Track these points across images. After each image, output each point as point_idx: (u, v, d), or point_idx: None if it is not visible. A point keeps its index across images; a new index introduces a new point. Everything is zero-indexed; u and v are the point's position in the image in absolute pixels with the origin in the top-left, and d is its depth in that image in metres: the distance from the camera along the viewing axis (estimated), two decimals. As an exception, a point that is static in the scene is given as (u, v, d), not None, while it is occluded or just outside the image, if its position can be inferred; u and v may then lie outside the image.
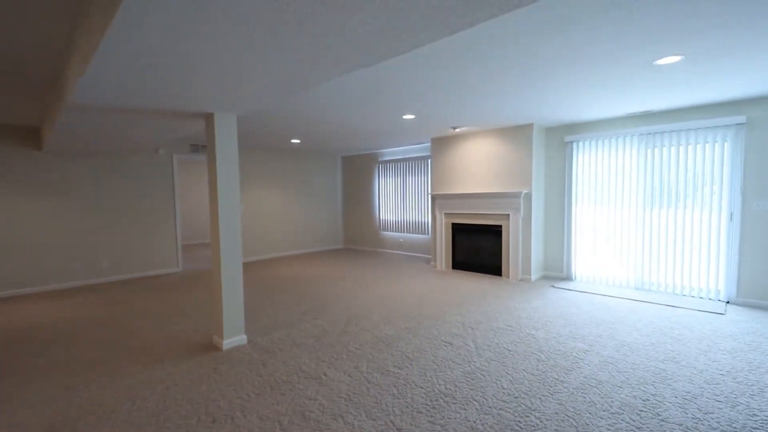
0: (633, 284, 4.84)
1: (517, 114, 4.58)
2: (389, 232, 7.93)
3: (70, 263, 5.31)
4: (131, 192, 5.84)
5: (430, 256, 7.05)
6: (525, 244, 5.40)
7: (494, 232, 5.72)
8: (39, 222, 5.05)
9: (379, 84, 3.25)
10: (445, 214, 6.24)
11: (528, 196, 5.33)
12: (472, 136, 5.85)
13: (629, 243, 4.84)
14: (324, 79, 2.14)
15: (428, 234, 7.20)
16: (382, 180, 8.00)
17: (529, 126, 5.25)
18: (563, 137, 5.38)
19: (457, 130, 5.53)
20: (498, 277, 5.63)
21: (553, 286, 5.00)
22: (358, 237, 8.64)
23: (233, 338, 3.12)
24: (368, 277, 5.63)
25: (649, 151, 4.65)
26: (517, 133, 5.38)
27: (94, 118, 3.10)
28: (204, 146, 6.66)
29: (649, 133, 4.63)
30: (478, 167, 5.82)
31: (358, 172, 8.56)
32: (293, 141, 6.47)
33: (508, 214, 5.47)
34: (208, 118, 3.03)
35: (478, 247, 5.94)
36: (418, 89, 3.43)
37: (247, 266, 6.67)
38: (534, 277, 5.41)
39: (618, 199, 4.91)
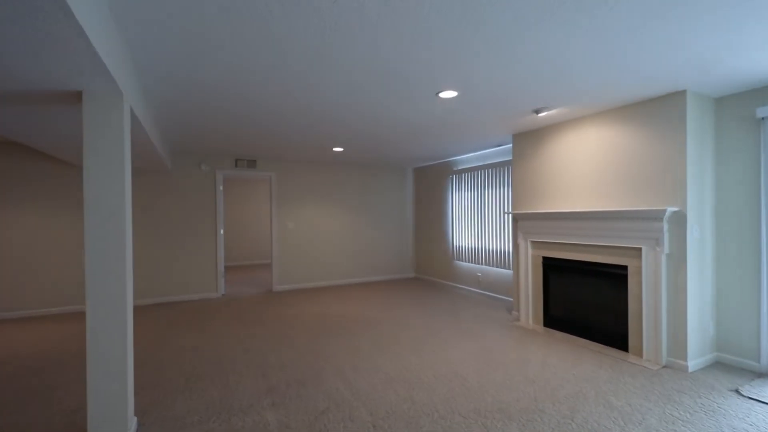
0: None
1: (650, 71, 2.51)
2: (464, 263, 6.10)
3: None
4: (169, 210, 5.52)
5: (513, 300, 5.02)
6: (674, 301, 3.07)
7: (614, 277, 3.49)
8: (72, 239, 4.99)
9: (384, 51, 1.81)
10: (533, 243, 4.21)
11: (679, 218, 3.03)
12: (573, 125, 3.78)
13: None
14: None
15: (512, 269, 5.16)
16: (455, 195, 6.28)
17: (679, 96, 3.00)
18: (753, 110, 2.94)
19: (542, 114, 3.58)
20: (621, 353, 3.36)
21: (738, 392, 2.59)
22: (429, 266, 7.00)
23: (103, 441, 1.98)
24: (412, 329, 4.02)
25: None
26: (655, 111, 3.17)
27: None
28: (251, 161, 6.10)
29: None
30: (585, 172, 3.71)
31: (429, 187, 7.00)
32: (335, 150, 5.36)
33: (640, 248, 3.23)
34: (79, 99, 2.05)
35: (585, 298, 3.75)
36: (447, 38, 1.86)
37: (281, 295, 5.74)
38: (693, 362, 3.01)
39: None
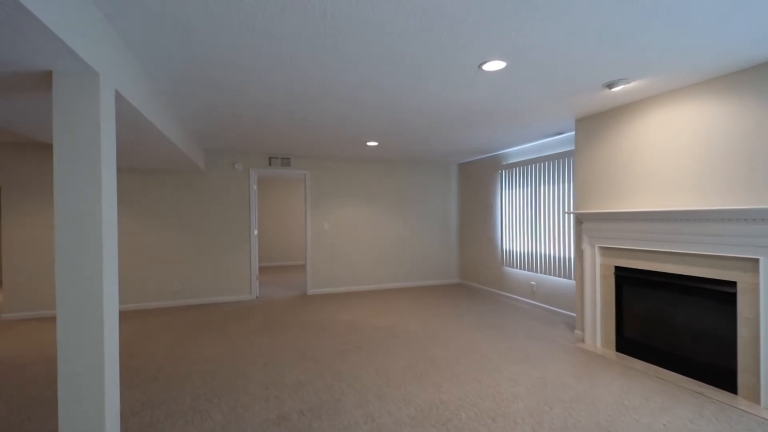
0: None
1: (782, 10, 1.78)
2: (515, 269, 5.40)
3: (139, 284, 5.14)
4: (203, 210, 5.44)
5: (575, 315, 4.25)
6: (811, 335, 2.25)
7: (717, 295, 2.71)
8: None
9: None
10: (602, 249, 3.49)
11: (819, 220, 2.21)
12: (658, 101, 3.02)
13: None
14: None
15: (574, 279, 4.40)
16: (506, 192, 5.59)
17: (821, 50, 2.19)
18: None
19: (617, 89, 2.88)
20: (727, 395, 2.57)
21: None
22: (476, 271, 6.35)
23: (72, 482, 1.70)
24: (453, 348, 3.47)
25: None
26: (780, 76, 2.36)
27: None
28: (285, 159, 5.87)
29: None
30: (674, 161, 2.94)
31: (476, 183, 6.36)
32: (370, 144, 4.95)
33: (757, 259, 2.44)
34: (48, 81, 1.79)
35: (674, 320, 2.98)
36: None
37: (314, 300, 5.42)
38: None
39: None
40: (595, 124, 3.56)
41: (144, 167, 4.97)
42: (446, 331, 3.99)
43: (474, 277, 6.41)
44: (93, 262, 1.71)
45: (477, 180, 6.31)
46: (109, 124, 1.82)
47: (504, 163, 5.61)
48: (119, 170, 5.04)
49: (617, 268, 3.36)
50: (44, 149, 4.72)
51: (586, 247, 3.58)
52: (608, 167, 3.44)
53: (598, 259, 3.50)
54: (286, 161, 5.87)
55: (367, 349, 3.48)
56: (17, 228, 4.63)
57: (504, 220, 5.61)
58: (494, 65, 2.39)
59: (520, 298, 5.31)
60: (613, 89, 2.84)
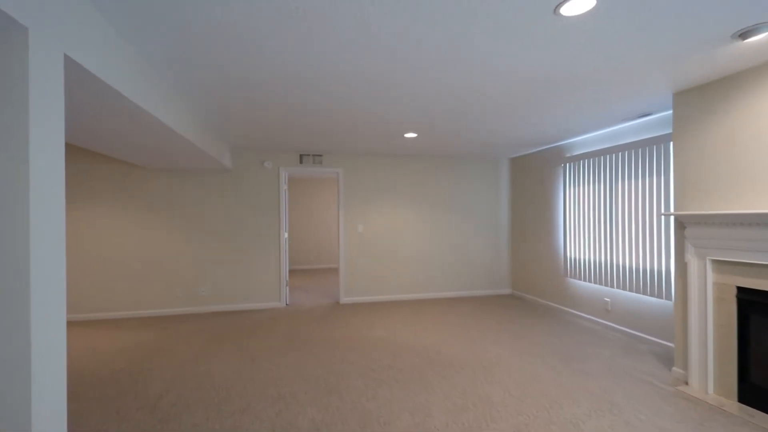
0: None
1: None
2: (583, 282, 4.51)
3: (165, 288, 4.91)
4: (230, 211, 5.12)
5: (671, 346, 3.31)
6: None
7: None
8: (139, 241, 4.83)
9: None
10: (715, 263, 2.60)
11: None
12: (813, 58, 2.12)
13: None
14: None
15: (668, 299, 3.47)
16: (570, 190, 4.72)
17: None
18: None
19: (754, 39, 2.02)
20: None
21: None
22: (531, 281, 5.50)
23: None
24: (510, 384, 2.76)
25: None
26: None
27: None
28: (317, 156, 5.43)
29: None
30: (841, 139, 2.03)
31: (532, 180, 5.51)
32: (407, 136, 4.33)
33: None
34: None
35: (841, 369, 2.07)
36: None
37: (347, 310, 4.88)
38: None
39: None
40: (704, 97, 2.68)
41: (164, 166, 4.71)
42: (500, 358, 3.27)
43: (529, 287, 5.56)
44: (17, 275, 1.26)
45: (533, 176, 5.47)
46: (49, 97, 1.37)
47: (567, 155, 4.75)
48: (140, 170, 4.84)
49: (740, 289, 2.47)
50: (70, 150, 4.62)
51: (692, 260, 2.71)
52: (724, 155, 2.56)
53: (711, 276, 2.62)
54: (318, 159, 5.42)
55: (402, 380, 2.86)
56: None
57: (568, 223, 4.74)
58: (578, 5, 1.68)
59: (589, 316, 4.42)
60: (749, 40, 2.00)
